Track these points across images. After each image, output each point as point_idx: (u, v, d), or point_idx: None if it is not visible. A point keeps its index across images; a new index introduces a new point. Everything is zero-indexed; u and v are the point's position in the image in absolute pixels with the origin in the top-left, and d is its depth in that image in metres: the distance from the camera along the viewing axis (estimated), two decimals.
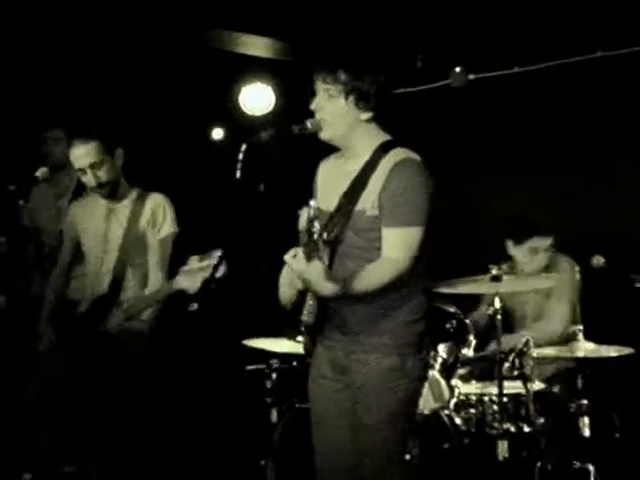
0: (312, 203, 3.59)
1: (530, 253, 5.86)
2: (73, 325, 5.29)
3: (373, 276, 3.83)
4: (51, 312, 5.39)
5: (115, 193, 5.24)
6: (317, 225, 3.58)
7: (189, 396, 6.74)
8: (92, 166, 5.10)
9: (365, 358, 3.93)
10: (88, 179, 5.14)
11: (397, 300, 3.92)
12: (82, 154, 5.10)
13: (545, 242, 5.83)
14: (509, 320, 5.83)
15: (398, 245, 3.82)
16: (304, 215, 3.65)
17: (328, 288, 3.71)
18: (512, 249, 5.93)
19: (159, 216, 5.23)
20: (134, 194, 5.29)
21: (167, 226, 5.24)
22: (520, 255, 5.90)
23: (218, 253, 4.52)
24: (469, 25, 6.42)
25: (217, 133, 7.82)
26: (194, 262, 4.69)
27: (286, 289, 3.98)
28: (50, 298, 5.45)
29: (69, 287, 5.52)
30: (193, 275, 4.64)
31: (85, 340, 5.16)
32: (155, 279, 5.19)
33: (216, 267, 4.32)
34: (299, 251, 3.65)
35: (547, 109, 6.66)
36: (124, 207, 5.26)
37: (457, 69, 6.74)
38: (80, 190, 5.65)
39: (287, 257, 3.69)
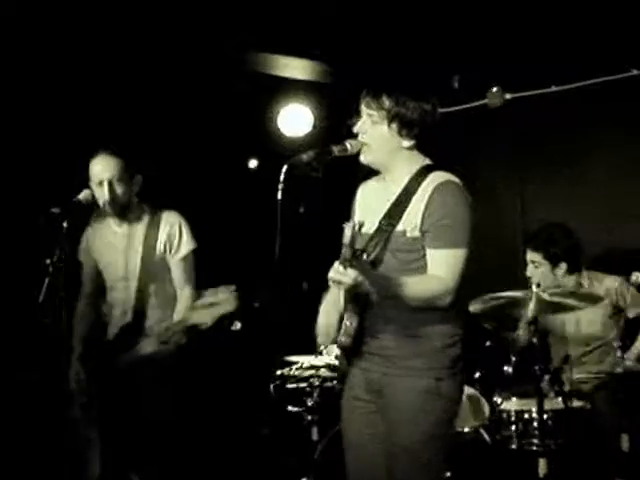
0: (355, 218, 3.64)
1: (531, 264, 5.79)
2: (101, 355, 5.26)
3: (422, 285, 3.85)
4: (80, 352, 5.32)
5: (124, 215, 5.19)
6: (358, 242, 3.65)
7: (230, 413, 6.79)
8: (111, 181, 5.05)
9: (400, 380, 3.93)
10: (103, 193, 5.06)
11: (434, 323, 3.92)
12: (104, 166, 5.06)
13: (531, 255, 5.73)
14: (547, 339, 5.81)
15: (445, 265, 3.84)
16: (349, 229, 3.68)
17: (377, 282, 3.77)
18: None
19: (175, 236, 5.19)
20: (146, 217, 5.25)
21: (184, 244, 5.20)
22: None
23: (231, 289, 4.60)
24: (505, 45, 6.44)
25: (252, 163, 7.86)
26: (207, 297, 4.76)
27: (323, 326, 4.05)
28: (76, 336, 5.36)
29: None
30: (206, 310, 4.74)
31: (112, 370, 5.13)
32: (183, 297, 5.18)
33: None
34: (336, 266, 3.68)
35: (583, 127, 6.67)
36: (138, 232, 5.22)
37: (494, 89, 6.76)
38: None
39: (331, 276, 3.72)
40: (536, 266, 5.73)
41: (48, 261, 4.81)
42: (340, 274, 3.69)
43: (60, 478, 5.79)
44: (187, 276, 5.22)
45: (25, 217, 6.22)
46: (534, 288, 5.03)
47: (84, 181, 5.16)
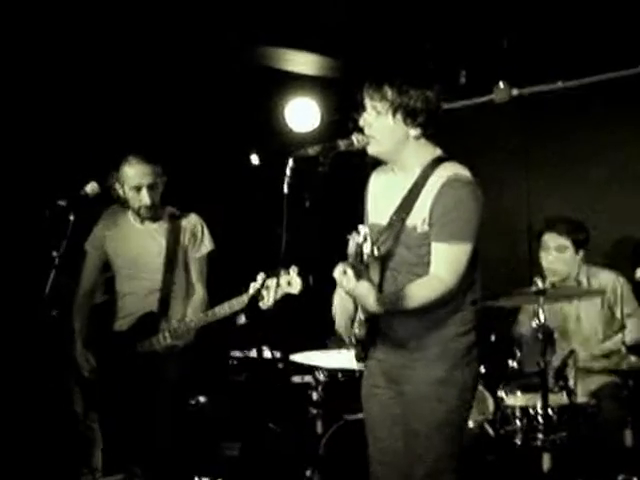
0: (361, 227, 3.65)
1: (544, 249, 5.78)
2: (115, 343, 5.42)
3: (420, 293, 3.84)
4: (83, 338, 5.48)
5: (154, 215, 5.40)
6: (368, 247, 3.66)
7: (234, 407, 6.79)
8: (151, 187, 5.28)
9: (415, 369, 3.96)
10: (142, 197, 5.29)
11: (446, 313, 3.94)
12: (144, 173, 5.27)
13: (557, 240, 5.72)
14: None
15: (446, 261, 3.84)
16: (353, 240, 3.67)
17: (375, 306, 3.75)
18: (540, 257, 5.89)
19: (198, 235, 5.46)
20: (167, 215, 5.47)
21: (205, 245, 5.48)
22: (540, 257, 5.83)
23: (292, 270, 4.69)
24: (512, 40, 6.44)
25: (254, 159, 7.87)
26: (264, 280, 4.85)
27: (339, 316, 4.08)
28: (77, 326, 5.52)
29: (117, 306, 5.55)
30: (264, 291, 4.85)
31: (129, 356, 5.31)
32: (198, 293, 5.43)
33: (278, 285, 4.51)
34: (348, 269, 3.69)
35: (590, 124, 6.67)
36: (160, 227, 5.42)
37: (500, 84, 6.75)
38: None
39: (336, 274, 3.74)
40: (562, 250, 5.71)
41: (55, 254, 4.83)
42: (345, 278, 3.71)
43: (65, 470, 5.84)
44: (201, 274, 5.48)
45: (32, 210, 6.26)
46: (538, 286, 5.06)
47: (90, 174, 5.17)
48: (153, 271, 5.38)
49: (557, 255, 5.71)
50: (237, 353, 6.83)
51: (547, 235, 5.77)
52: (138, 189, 5.28)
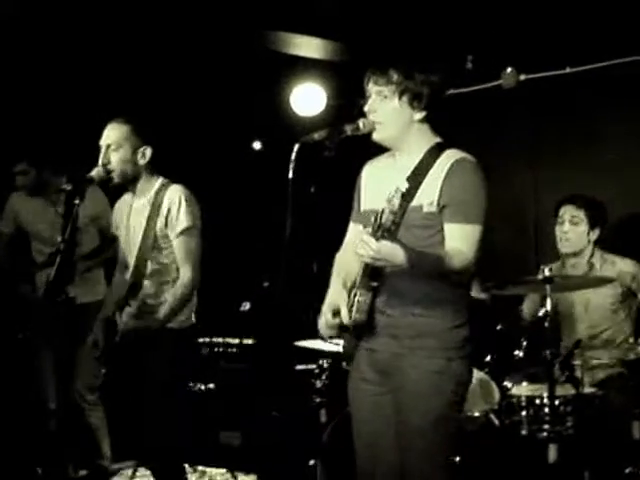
0: (399, 186, 3.64)
1: (559, 223, 5.75)
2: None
3: (447, 257, 3.77)
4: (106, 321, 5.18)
5: (127, 186, 5.12)
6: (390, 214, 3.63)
7: (236, 395, 6.79)
8: (108, 146, 5.00)
9: (411, 360, 3.91)
10: (100, 157, 5.01)
11: (446, 302, 3.91)
12: (106, 133, 5.04)
13: (572, 212, 5.69)
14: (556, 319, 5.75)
15: (465, 239, 3.81)
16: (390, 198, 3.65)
17: (405, 259, 3.66)
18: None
19: (173, 211, 5.00)
20: (155, 189, 5.12)
21: (182, 221, 4.99)
22: (555, 231, 5.80)
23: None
24: (520, 25, 6.40)
25: (256, 145, 7.85)
26: None
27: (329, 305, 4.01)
28: (106, 311, 5.25)
29: None
30: None
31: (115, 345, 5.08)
32: (182, 275, 4.99)
33: None
34: (365, 236, 3.65)
35: (599, 110, 6.62)
36: (144, 204, 5.10)
37: (508, 70, 6.72)
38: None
39: (359, 248, 3.67)
40: (576, 222, 5.68)
41: (59, 239, 4.80)
42: (368, 245, 3.64)
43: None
44: (185, 255, 5.01)
45: None
46: (544, 273, 5.02)
47: (96, 158, 5.13)
48: (132, 253, 5.08)
49: (570, 227, 5.68)
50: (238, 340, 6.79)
51: (564, 208, 5.75)
52: (101, 150, 5.04)
